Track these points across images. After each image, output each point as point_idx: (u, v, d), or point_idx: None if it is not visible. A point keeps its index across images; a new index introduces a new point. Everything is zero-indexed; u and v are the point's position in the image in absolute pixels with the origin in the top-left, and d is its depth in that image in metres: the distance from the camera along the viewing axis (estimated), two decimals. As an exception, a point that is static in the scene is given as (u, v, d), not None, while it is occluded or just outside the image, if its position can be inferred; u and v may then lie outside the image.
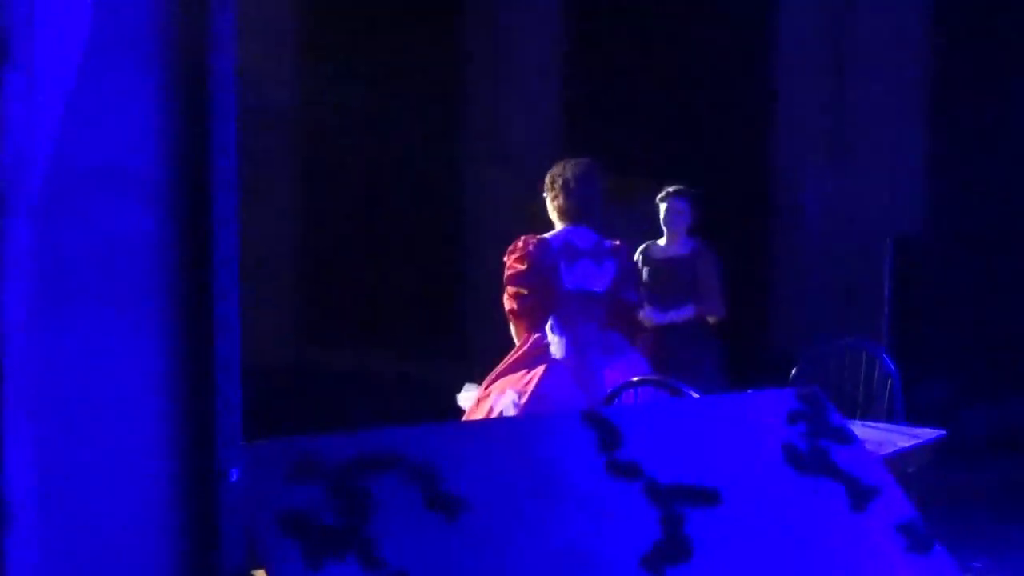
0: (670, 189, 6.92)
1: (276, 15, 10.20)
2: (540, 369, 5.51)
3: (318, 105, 10.56)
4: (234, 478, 2.54)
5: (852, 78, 9.15)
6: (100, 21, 2.33)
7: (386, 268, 10.62)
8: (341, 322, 10.81)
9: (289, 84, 10.85)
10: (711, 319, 6.78)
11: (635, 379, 5.00)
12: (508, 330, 5.81)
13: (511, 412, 5.41)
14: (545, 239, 5.69)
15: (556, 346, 5.56)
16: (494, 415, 5.39)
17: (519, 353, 5.63)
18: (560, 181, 5.76)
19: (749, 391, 4.37)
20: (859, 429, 4.30)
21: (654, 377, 5.18)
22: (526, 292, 5.59)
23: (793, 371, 5.97)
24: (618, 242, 5.80)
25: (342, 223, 10.82)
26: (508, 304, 5.69)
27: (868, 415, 5.70)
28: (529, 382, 5.49)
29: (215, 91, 2.46)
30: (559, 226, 5.79)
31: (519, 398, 5.43)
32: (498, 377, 5.62)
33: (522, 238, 5.72)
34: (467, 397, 5.65)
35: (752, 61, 9.48)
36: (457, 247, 10.54)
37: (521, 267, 5.62)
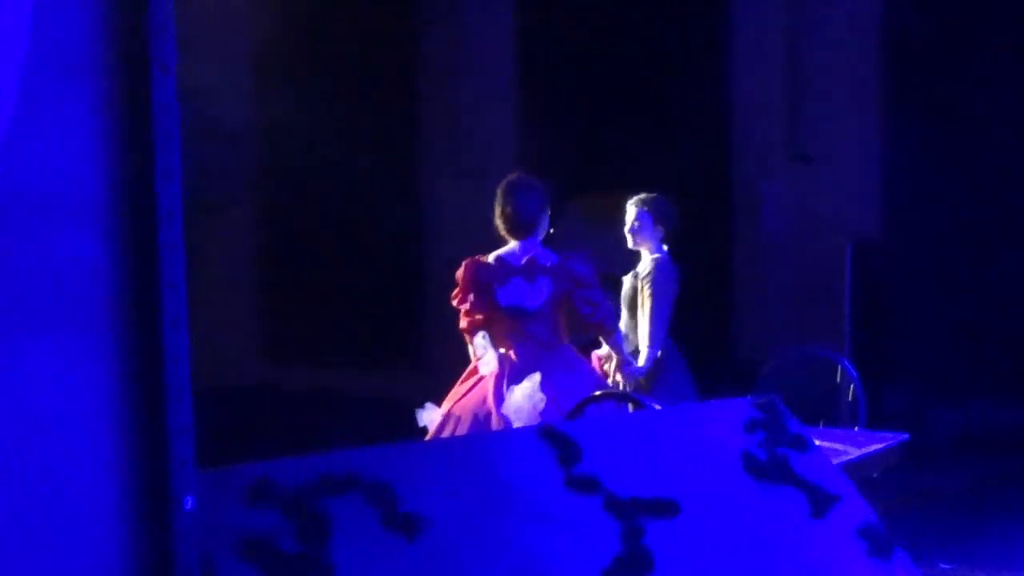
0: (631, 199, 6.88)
1: (231, 32, 10.17)
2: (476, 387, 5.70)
3: (275, 122, 10.52)
4: (188, 506, 2.52)
5: (809, 86, 9.21)
6: (37, 45, 2.32)
7: (345, 285, 10.59)
8: (301, 340, 10.78)
9: (245, 101, 10.81)
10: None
11: (597, 393, 5.00)
12: (467, 347, 5.94)
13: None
14: (480, 259, 5.85)
15: (483, 361, 5.73)
16: (460, 433, 5.48)
17: (468, 370, 5.83)
18: (499, 196, 5.88)
19: (708, 401, 4.38)
20: (822, 436, 4.34)
21: (616, 391, 5.19)
22: (468, 311, 5.82)
23: (756, 380, 5.98)
24: (566, 257, 5.81)
25: (301, 240, 10.79)
26: (461, 323, 5.90)
27: (832, 421, 5.71)
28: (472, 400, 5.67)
29: (157, 114, 2.45)
30: (507, 242, 5.89)
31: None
32: (456, 395, 5.74)
33: (467, 259, 5.90)
34: (427, 416, 5.69)
35: (708, 70, 9.52)
36: (416, 263, 10.54)
37: (460, 287, 5.86)
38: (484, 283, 5.79)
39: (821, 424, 5.39)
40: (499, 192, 5.88)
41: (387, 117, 10.49)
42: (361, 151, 10.27)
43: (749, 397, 3.82)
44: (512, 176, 5.98)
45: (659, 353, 6.55)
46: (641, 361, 6.48)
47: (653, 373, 6.51)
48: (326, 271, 10.67)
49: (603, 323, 5.89)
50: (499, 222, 5.87)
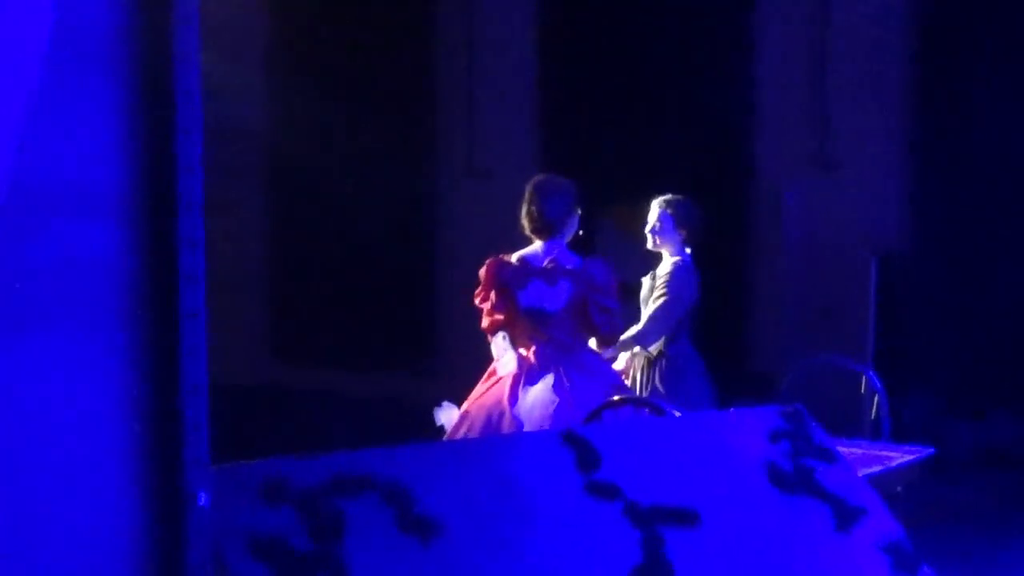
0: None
1: (245, 28, 10.19)
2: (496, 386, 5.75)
3: (288, 120, 10.55)
4: (202, 502, 2.52)
5: (834, 92, 9.18)
6: (59, 34, 2.32)
7: (358, 285, 10.60)
8: (313, 340, 10.79)
9: (258, 98, 10.84)
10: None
11: (616, 398, 5.00)
12: (484, 347, 6.01)
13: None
14: (503, 258, 5.92)
15: (502, 362, 5.79)
16: (473, 434, 5.54)
17: (489, 371, 5.90)
18: (526, 195, 5.95)
19: (731, 410, 4.36)
20: (845, 447, 4.31)
21: (634, 396, 5.18)
22: (489, 311, 5.91)
23: (777, 389, 5.96)
24: (589, 260, 5.84)
25: (313, 239, 10.81)
26: (482, 322, 5.97)
27: (854, 433, 5.70)
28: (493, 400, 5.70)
29: (180, 106, 2.45)
30: (532, 242, 5.96)
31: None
32: (475, 394, 5.82)
33: (491, 258, 5.96)
34: (445, 415, 5.75)
35: (732, 71, 9.50)
36: (431, 263, 10.55)
37: (482, 286, 5.94)
38: (505, 283, 5.86)
39: (843, 437, 5.37)
40: (527, 191, 5.95)
41: (401, 115, 10.51)
42: (375, 150, 10.30)
43: (774, 406, 3.80)
44: (541, 176, 6.08)
45: (657, 349, 6.55)
46: (623, 337, 6.44)
47: (672, 379, 6.52)
48: (338, 271, 10.69)
49: (612, 336, 5.95)
50: (524, 221, 5.94)
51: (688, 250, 6.75)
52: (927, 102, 9.02)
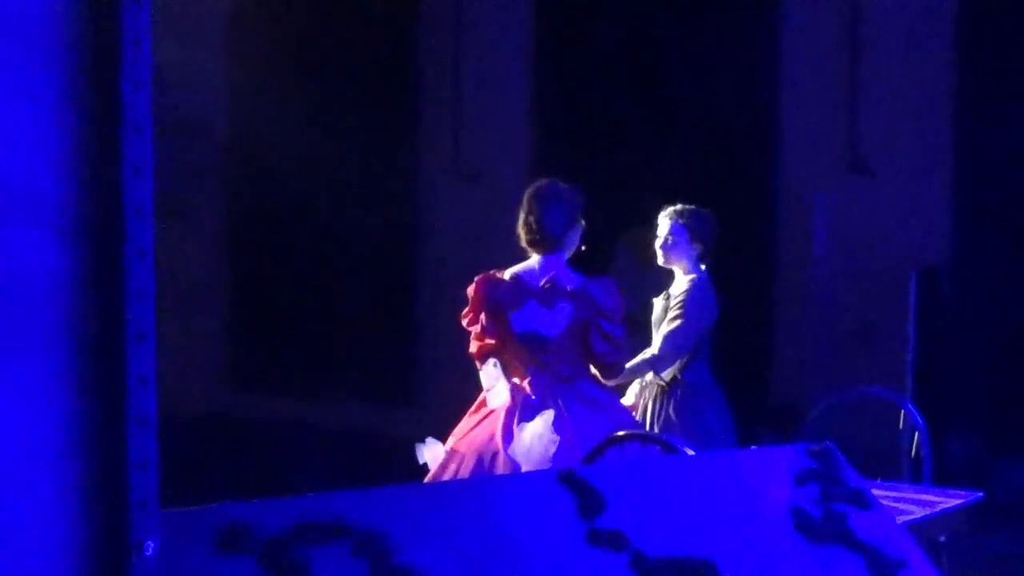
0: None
1: (203, 9, 10.19)
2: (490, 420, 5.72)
3: (251, 114, 10.54)
4: (150, 552, 2.50)
5: (866, 88, 9.20)
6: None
7: (328, 301, 10.59)
8: (276, 364, 10.77)
9: (217, 89, 10.84)
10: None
11: (620, 434, 4.97)
12: (472, 375, 5.98)
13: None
14: (494, 275, 5.90)
15: (492, 393, 5.76)
16: (463, 474, 5.52)
17: (478, 402, 5.85)
18: (524, 202, 5.93)
19: (752, 448, 4.36)
20: (881, 491, 4.31)
21: (642, 432, 5.17)
22: (479, 334, 5.88)
23: (802, 425, 5.96)
24: (593, 280, 5.83)
25: (277, 250, 10.80)
26: (471, 347, 5.94)
27: (891, 474, 5.69)
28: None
29: (128, 99, 2.44)
30: (529, 256, 5.94)
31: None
32: (462, 430, 5.77)
33: (480, 275, 5.93)
34: (429, 452, 5.72)
35: (753, 66, 9.52)
36: (411, 278, 10.54)
37: (471, 306, 5.91)
38: (497, 304, 5.84)
39: (879, 478, 5.37)
40: (525, 198, 5.92)
41: (379, 110, 10.51)
42: (349, 149, 10.29)
43: (802, 444, 3.80)
44: (542, 181, 6.01)
45: (671, 375, 6.56)
46: (632, 363, 6.45)
47: (687, 409, 6.52)
48: (304, 285, 10.68)
49: (615, 367, 5.91)
50: (521, 231, 5.90)
51: (703, 266, 6.75)
52: (969, 98, 9.04)
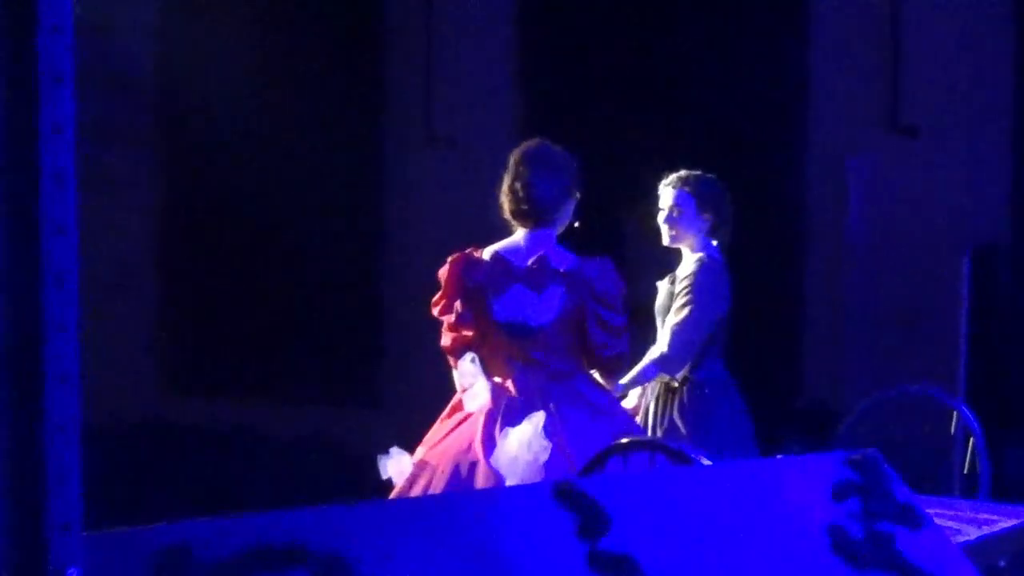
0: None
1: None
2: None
3: (188, 67, 10.52)
4: (73, 581, 2.50)
5: (913, 30, 9.19)
6: None
7: (281, 289, 10.59)
8: (217, 363, 10.77)
9: (150, 37, 10.82)
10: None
11: (624, 441, 4.98)
12: (445, 372, 6.02)
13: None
14: (471, 254, 5.90)
15: (470, 394, 5.75)
16: (435, 490, 5.52)
17: (452, 404, 5.87)
18: (509, 168, 5.93)
19: (780, 456, 4.36)
20: (932, 508, 4.31)
21: (650, 439, 5.18)
22: (453, 325, 5.88)
23: (837, 430, 5.97)
24: (588, 260, 5.83)
25: (219, 228, 10.79)
26: (443, 339, 5.95)
27: (943, 488, 5.71)
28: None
29: (44, 47, 2.42)
30: (513, 231, 5.95)
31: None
32: (434, 438, 5.79)
33: (455, 254, 5.93)
34: (394, 465, 5.72)
35: (775, 7, 9.51)
36: (375, 260, 10.54)
37: (443, 292, 5.91)
38: (475, 288, 5.82)
39: (927, 493, 5.39)
40: (511, 161, 5.92)
41: (340, 66, 10.52)
42: (304, 112, 10.30)
43: (839, 452, 3.79)
44: (532, 142, 6.01)
45: (683, 374, 6.56)
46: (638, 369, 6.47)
47: (698, 412, 6.52)
48: (252, 270, 10.68)
49: (616, 362, 5.92)
50: (505, 199, 5.90)
51: (715, 243, 6.74)
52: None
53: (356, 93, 10.63)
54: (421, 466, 5.67)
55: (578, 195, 5.92)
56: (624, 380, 6.31)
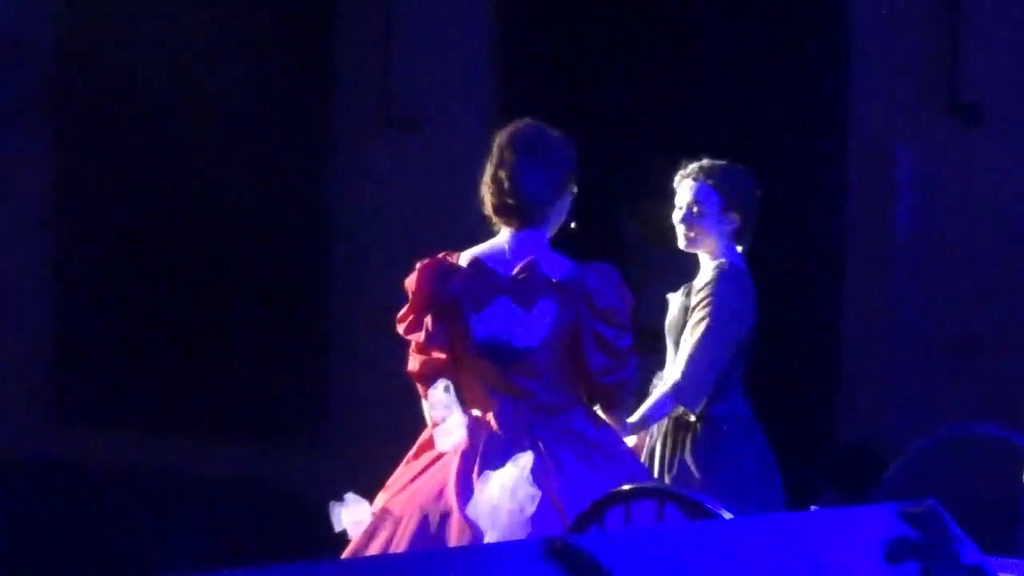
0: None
1: None
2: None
3: (95, 29, 10.51)
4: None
5: (969, 9, 9.22)
6: None
7: (205, 301, 10.58)
8: (127, 390, 10.75)
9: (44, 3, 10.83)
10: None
11: (627, 488, 4.96)
12: (411, 404, 6.05)
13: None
14: (445, 259, 5.92)
15: (443, 429, 5.76)
16: (399, 545, 5.50)
17: (421, 442, 5.91)
18: (493, 154, 5.94)
19: (815, 509, 4.35)
20: (1003, 570, 4.30)
21: (659, 486, 5.17)
22: (421, 345, 5.90)
23: (883, 476, 5.97)
24: (587, 267, 5.86)
25: (132, 227, 10.77)
26: (409, 363, 5.97)
27: (1015, 546, 5.70)
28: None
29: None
30: (497, 232, 5.95)
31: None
32: (398, 483, 5.80)
33: (425, 259, 5.94)
34: (350, 515, 5.70)
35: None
36: (325, 264, 10.55)
37: (410, 306, 5.92)
38: (450, 302, 5.83)
39: (998, 551, 5.39)
40: (496, 145, 5.93)
41: (285, 36, 10.55)
42: (240, 88, 10.32)
43: (892, 503, 3.76)
44: (520, 123, 6.00)
45: (700, 409, 6.56)
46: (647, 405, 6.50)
47: (713, 453, 6.52)
48: (168, 277, 10.69)
49: (620, 391, 5.92)
50: (486, 193, 5.91)
51: (740, 248, 6.75)
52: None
53: (301, 65, 10.63)
54: (382, 516, 5.67)
55: (575, 189, 5.90)
56: (633, 418, 6.31)
